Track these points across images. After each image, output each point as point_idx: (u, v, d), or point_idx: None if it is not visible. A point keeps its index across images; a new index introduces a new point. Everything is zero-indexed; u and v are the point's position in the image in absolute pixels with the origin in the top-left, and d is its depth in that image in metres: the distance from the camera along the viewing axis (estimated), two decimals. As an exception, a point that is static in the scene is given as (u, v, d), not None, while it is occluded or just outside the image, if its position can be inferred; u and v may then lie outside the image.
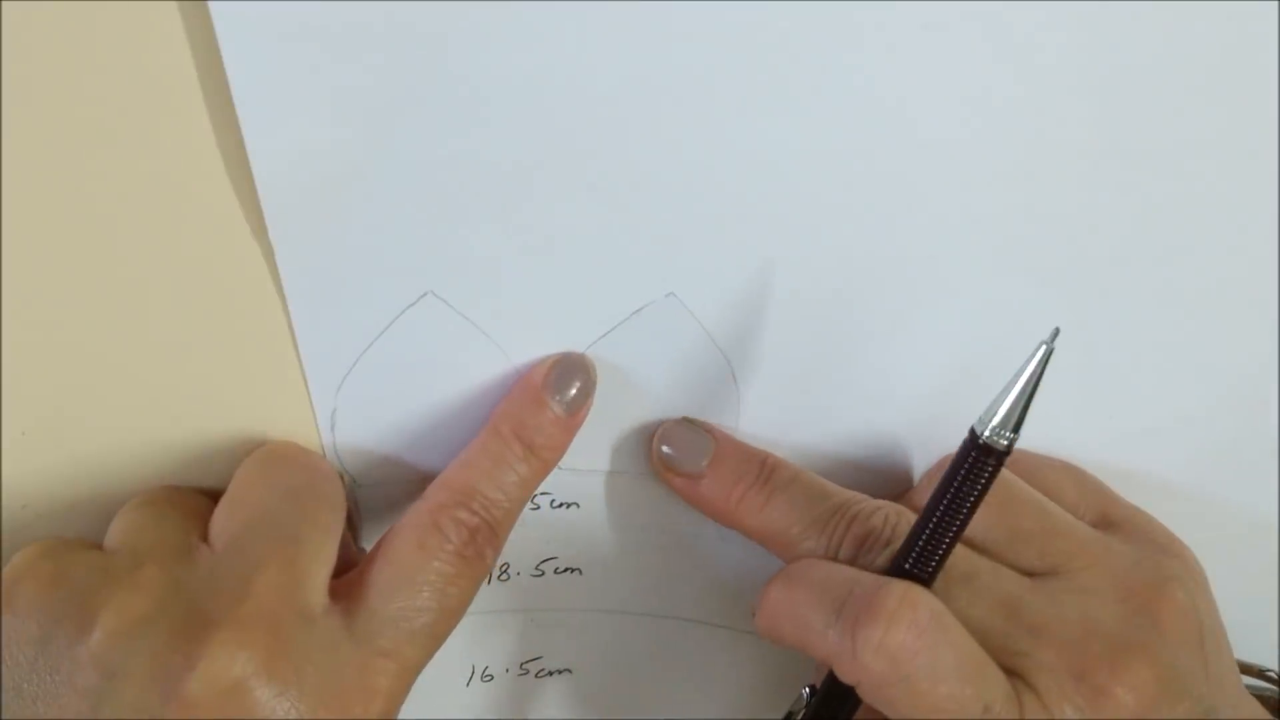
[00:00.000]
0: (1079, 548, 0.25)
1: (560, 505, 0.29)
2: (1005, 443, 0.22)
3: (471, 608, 0.26)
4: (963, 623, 0.23)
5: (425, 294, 0.25)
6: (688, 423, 0.28)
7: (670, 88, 0.23)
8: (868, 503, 0.26)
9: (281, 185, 0.22)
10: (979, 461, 0.23)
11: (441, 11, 0.21)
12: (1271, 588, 0.30)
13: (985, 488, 0.23)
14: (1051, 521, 0.26)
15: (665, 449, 0.28)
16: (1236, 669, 0.26)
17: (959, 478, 0.23)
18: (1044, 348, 0.22)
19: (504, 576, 0.30)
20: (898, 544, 0.24)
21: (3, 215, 0.22)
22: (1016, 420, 0.22)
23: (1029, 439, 0.28)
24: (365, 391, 0.26)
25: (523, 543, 0.29)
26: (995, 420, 0.22)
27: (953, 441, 0.24)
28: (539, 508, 0.29)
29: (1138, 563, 0.25)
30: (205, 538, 0.24)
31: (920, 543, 0.24)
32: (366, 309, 0.25)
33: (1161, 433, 0.29)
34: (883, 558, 0.25)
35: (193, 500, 0.25)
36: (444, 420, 0.27)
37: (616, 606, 0.29)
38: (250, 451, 0.26)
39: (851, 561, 0.25)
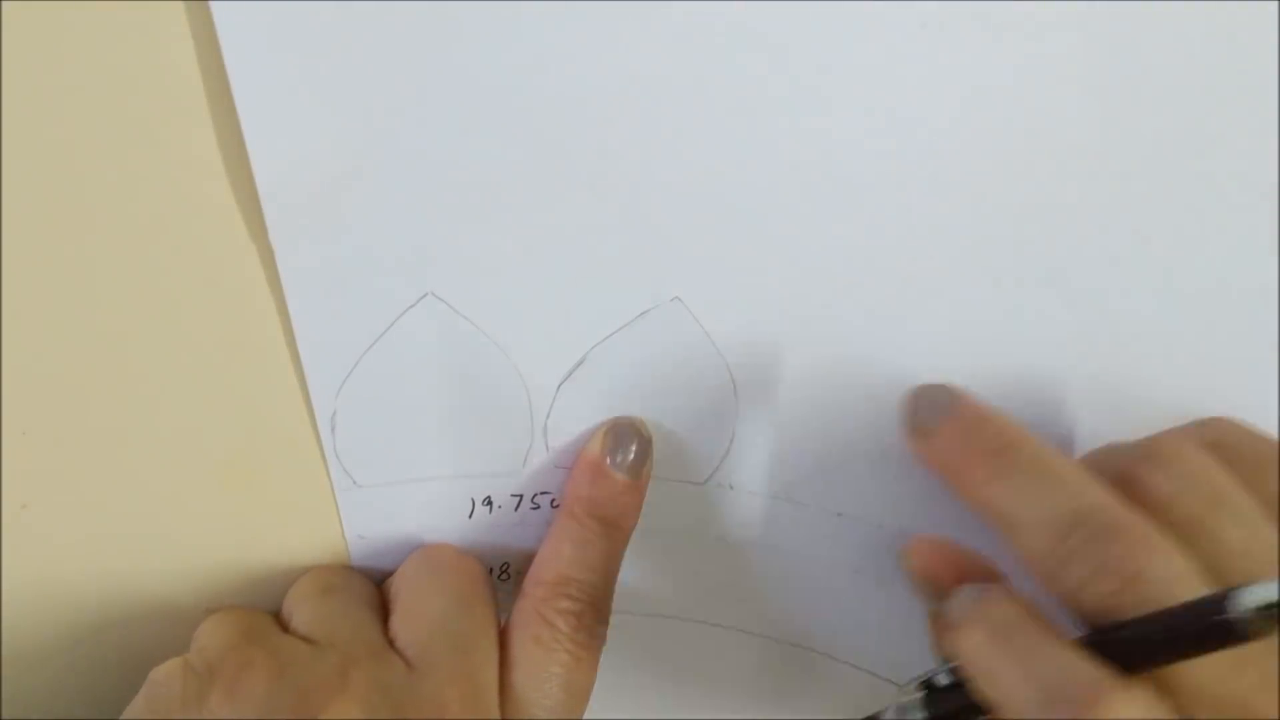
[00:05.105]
0: None
1: (559, 503, 0.29)
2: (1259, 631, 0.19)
3: (486, 596, 0.28)
4: (1212, 700, 0.21)
5: (425, 294, 0.25)
6: (936, 384, 0.26)
7: (672, 88, 0.23)
8: (1112, 514, 0.22)
9: (282, 186, 0.22)
10: (1221, 628, 0.19)
11: (442, 12, 0.21)
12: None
13: (1219, 649, 0.20)
14: (1260, 540, 0.23)
15: (908, 400, 0.26)
16: None
17: (1184, 627, 0.20)
18: None
19: (504, 576, 0.30)
20: (1145, 585, 0.21)
21: (3, 215, 0.22)
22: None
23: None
24: (365, 393, 0.26)
25: (524, 543, 0.29)
26: (1260, 608, 0.19)
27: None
28: (539, 508, 0.29)
29: None
30: (388, 633, 0.26)
31: (1133, 646, 0.21)
32: (366, 310, 0.25)
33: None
34: (1119, 597, 0.21)
35: (366, 586, 0.28)
36: (444, 421, 0.27)
37: (617, 606, 0.29)
38: (411, 553, 0.28)
39: (1080, 585, 0.22)
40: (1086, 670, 0.21)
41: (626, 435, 0.27)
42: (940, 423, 0.25)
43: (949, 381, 0.26)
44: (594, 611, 0.27)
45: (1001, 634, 0.22)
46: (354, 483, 0.27)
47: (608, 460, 0.27)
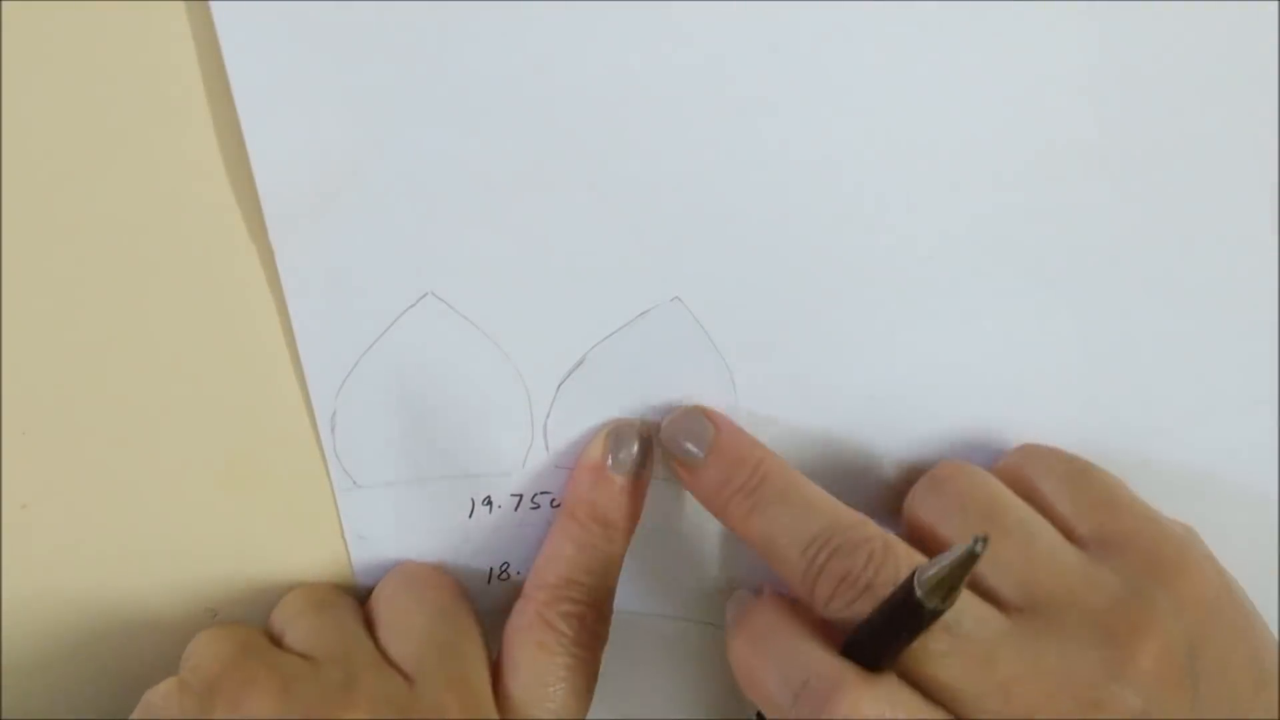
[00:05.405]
0: (1059, 583, 0.24)
1: (560, 505, 0.29)
2: (936, 609, 0.21)
3: (465, 606, 0.28)
4: (934, 683, 0.22)
5: (425, 295, 0.25)
6: (695, 411, 0.27)
7: (672, 89, 0.23)
8: (854, 532, 0.24)
9: (282, 186, 0.22)
10: (916, 609, 0.21)
11: (442, 11, 0.21)
12: (1272, 589, 0.30)
13: (922, 629, 0.22)
14: (1033, 551, 0.24)
15: (668, 433, 0.27)
16: (1259, 673, 0.24)
17: (898, 612, 0.22)
18: (973, 547, 0.20)
19: (504, 576, 0.30)
20: (878, 590, 0.23)
21: (3, 215, 0.22)
22: (948, 594, 0.21)
23: (1032, 435, 0.29)
24: (365, 393, 0.26)
25: (524, 542, 0.29)
26: (929, 587, 0.21)
27: (956, 449, 0.24)
28: (539, 507, 0.29)
29: (1121, 598, 0.24)
30: (378, 646, 0.26)
31: (871, 643, 0.23)
32: (366, 310, 0.25)
33: (1161, 432, 0.29)
34: (860, 603, 0.23)
35: (354, 603, 0.28)
36: (444, 422, 0.27)
37: (617, 605, 0.29)
38: (387, 574, 0.28)
39: (828, 599, 0.24)
40: (831, 666, 0.23)
41: (628, 437, 0.27)
42: (703, 456, 0.26)
43: (703, 407, 0.27)
44: (596, 613, 0.27)
45: (759, 638, 0.24)
46: (354, 483, 0.27)
47: (609, 462, 0.27)
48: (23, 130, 0.21)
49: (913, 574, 0.21)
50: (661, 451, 0.28)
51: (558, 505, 0.29)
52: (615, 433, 0.27)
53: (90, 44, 0.20)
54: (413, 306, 0.25)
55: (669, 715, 0.34)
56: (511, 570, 0.30)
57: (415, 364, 0.26)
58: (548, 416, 0.27)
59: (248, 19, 0.20)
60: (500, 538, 0.29)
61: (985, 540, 0.20)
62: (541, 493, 0.29)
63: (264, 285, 0.24)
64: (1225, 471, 0.30)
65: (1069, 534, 0.25)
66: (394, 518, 0.28)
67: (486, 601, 0.29)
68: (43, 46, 0.20)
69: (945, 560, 0.21)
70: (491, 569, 0.30)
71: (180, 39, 0.21)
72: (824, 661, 0.23)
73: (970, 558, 0.20)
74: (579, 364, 0.27)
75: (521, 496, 0.29)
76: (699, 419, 0.27)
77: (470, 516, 0.29)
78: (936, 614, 0.21)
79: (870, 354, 0.27)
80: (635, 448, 0.27)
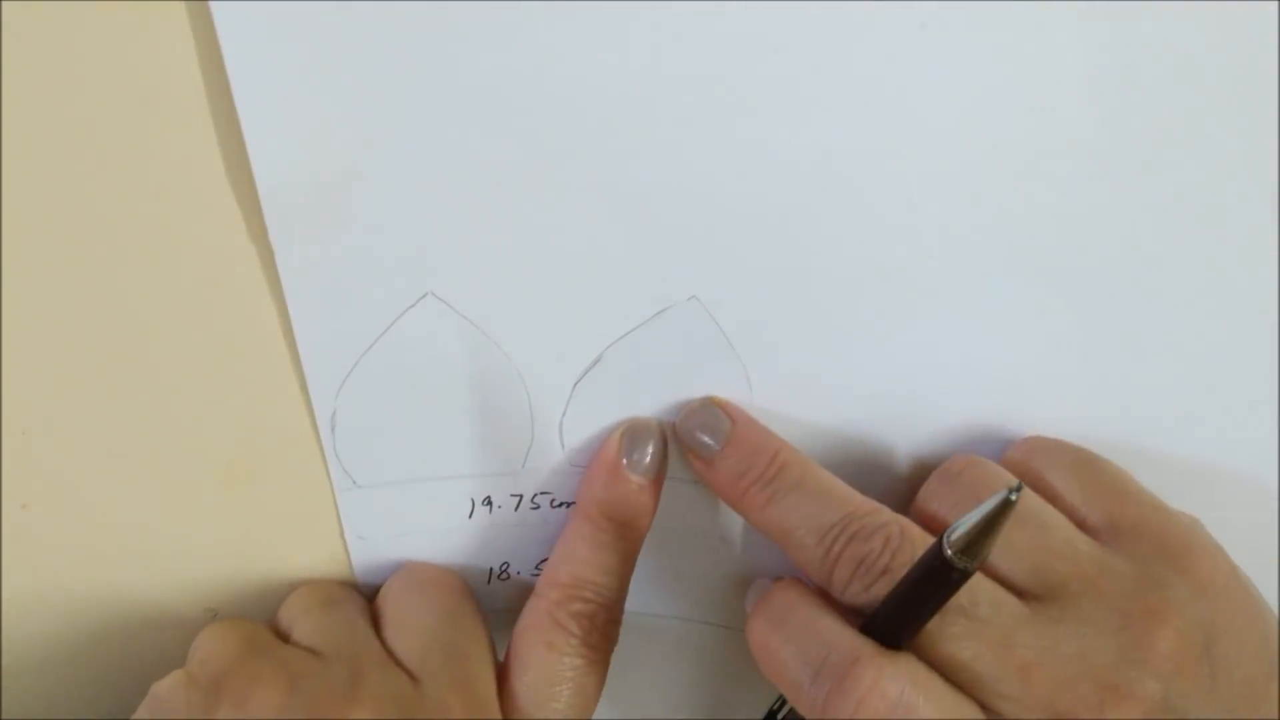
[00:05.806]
0: (1074, 570, 0.24)
1: (561, 505, 0.29)
2: (965, 568, 0.21)
3: (471, 608, 0.28)
4: (952, 664, 0.23)
5: (425, 295, 0.25)
6: (710, 403, 0.27)
7: (673, 89, 0.23)
8: (870, 519, 0.25)
9: (282, 186, 0.22)
10: (943, 572, 0.21)
11: (443, 11, 0.21)
12: (1272, 590, 0.30)
13: (949, 594, 0.22)
14: (1047, 539, 0.25)
15: (683, 426, 0.27)
16: (1269, 663, 0.24)
17: (923, 577, 0.22)
18: (1007, 495, 0.20)
19: (504, 576, 0.30)
20: (895, 573, 0.23)
21: (3, 215, 0.22)
22: (977, 552, 0.21)
23: (1036, 433, 0.29)
24: (365, 393, 0.26)
25: (523, 542, 0.29)
26: (959, 546, 0.21)
27: (964, 446, 0.24)
28: (539, 507, 0.29)
29: (1136, 585, 0.24)
30: (385, 644, 0.26)
31: (891, 621, 0.23)
32: (366, 310, 0.25)
33: (1161, 432, 0.29)
34: (877, 586, 0.24)
35: (362, 601, 0.28)
36: (445, 422, 0.27)
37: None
38: (394, 573, 0.29)
39: (846, 584, 0.24)
40: (851, 642, 0.23)
41: (643, 436, 0.27)
42: (719, 448, 0.27)
43: (718, 399, 0.27)
44: (607, 613, 0.27)
45: (778, 617, 0.25)
46: (354, 483, 0.27)
47: (624, 461, 0.27)
48: (22, 130, 0.21)
49: (940, 536, 0.21)
50: (674, 449, 0.28)
51: (558, 506, 0.29)
52: (631, 431, 0.27)
53: (90, 44, 0.20)
54: (413, 306, 0.25)
55: (673, 716, 0.34)
56: (511, 570, 0.30)
57: (415, 364, 0.26)
58: (563, 415, 0.27)
59: (248, 19, 0.20)
60: (500, 538, 0.29)
61: (1019, 488, 0.20)
62: (542, 493, 0.29)
63: (264, 285, 0.24)
64: (1225, 471, 0.30)
65: (1079, 523, 0.26)
66: (394, 518, 0.28)
67: (487, 602, 0.30)
68: (43, 46, 0.20)
69: (977, 514, 0.20)
70: (491, 569, 0.30)
71: (180, 39, 0.21)
72: (844, 637, 0.23)
73: (1005, 506, 0.20)
74: (596, 362, 0.27)
75: (521, 496, 0.29)
76: (714, 411, 0.27)
77: (470, 516, 0.29)
78: (965, 575, 0.21)
79: (883, 353, 0.27)
80: (651, 446, 0.27)
